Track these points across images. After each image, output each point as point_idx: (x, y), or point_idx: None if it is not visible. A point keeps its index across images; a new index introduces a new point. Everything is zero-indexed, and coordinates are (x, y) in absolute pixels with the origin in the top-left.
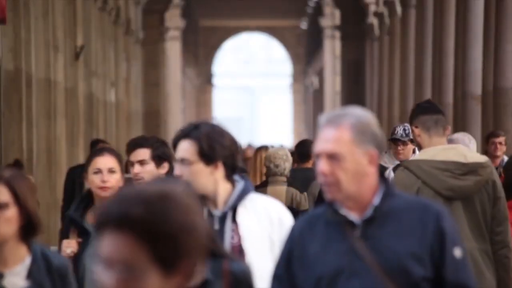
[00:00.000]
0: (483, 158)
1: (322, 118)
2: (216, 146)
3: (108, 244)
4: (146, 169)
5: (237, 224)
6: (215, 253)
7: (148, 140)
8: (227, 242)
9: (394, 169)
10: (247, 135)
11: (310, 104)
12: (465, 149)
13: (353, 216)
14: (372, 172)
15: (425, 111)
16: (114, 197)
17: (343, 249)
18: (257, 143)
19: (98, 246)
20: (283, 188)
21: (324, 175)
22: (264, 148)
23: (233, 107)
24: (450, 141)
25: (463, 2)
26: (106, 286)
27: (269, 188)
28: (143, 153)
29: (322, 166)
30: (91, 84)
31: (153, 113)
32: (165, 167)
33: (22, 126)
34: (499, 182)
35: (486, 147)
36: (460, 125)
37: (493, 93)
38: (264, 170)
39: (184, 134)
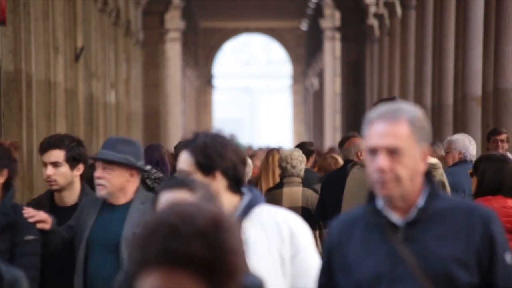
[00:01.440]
0: (434, 160)
1: (374, 113)
2: (213, 156)
3: (155, 285)
4: (60, 171)
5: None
6: None
7: (63, 140)
8: None
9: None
10: (247, 136)
11: (310, 105)
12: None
13: (396, 218)
14: (422, 170)
15: None
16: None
17: (384, 252)
18: (257, 144)
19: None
20: (299, 189)
21: (383, 171)
22: (275, 150)
23: (233, 108)
24: (450, 142)
25: (463, 3)
26: None
27: (285, 189)
28: (57, 155)
29: (382, 161)
30: (91, 85)
31: (153, 114)
32: (80, 169)
33: (22, 127)
34: (447, 184)
35: (488, 145)
36: (460, 126)
37: (493, 94)
38: (278, 171)
39: (183, 145)
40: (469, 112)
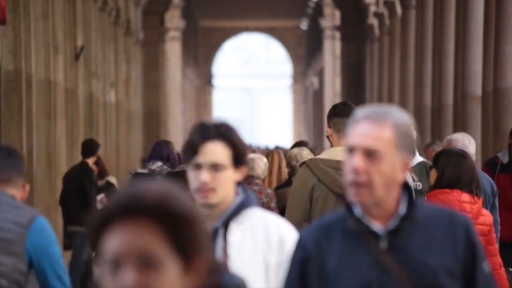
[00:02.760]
0: None
1: (360, 112)
2: (245, 149)
3: (120, 237)
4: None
5: (227, 242)
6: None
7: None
8: None
9: None
10: (247, 135)
11: (310, 104)
12: None
13: (377, 226)
14: (401, 180)
15: (338, 113)
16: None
17: (367, 262)
18: (257, 144)
19: (105, 244)
20: None
21: (356, 172)
22: (275, 151)
23: (233, 108)
24: (450, 141)
25: (463, 3)
26: (122, 287)
27: None
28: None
29: (357, 161)
30: (91, 85)
31: (153, 114)
32: None
33: (22, 127)
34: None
35: (510, 141)
36: (460, 125)
37: (493, 94)
38: (277, 172)
39: (208, 134)
40: (469, 112)
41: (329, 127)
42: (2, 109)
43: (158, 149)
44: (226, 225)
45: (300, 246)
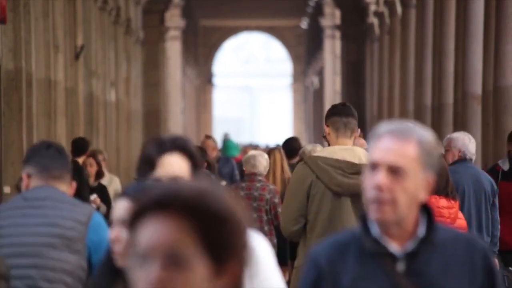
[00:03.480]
0: None
1: (383, 128)
2: (201, 160)
3: (150, 231)
4: None
5: None
6: None
7: None
8: None
9: None
10: (247, 135)
11: (310, 104)
12: (362, 151)
13: (394, 248)
14: (422, 200)
15: (337, 113)
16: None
17: (383, 285)
18: (257, 143)
19: (136, 236)
20: None
21: (380, 189)
22: (276, 149)
23: (233, 107)
24: (450, 140)
25: (463, 2)
26: (146, 281)
27: None
28: None
29: (381, 178)
30: (91, 84)
31: (153, 113)
32: None
33: (22, 126)
34: None
35: (510, 147)
36: (460, 125)
37: (493, 93)
38: (280, 171)
39: (169, 147)
40: (469, 111)
41: (327, 126)
42: (2, 108)
43: None
44: None
45: (313, 264)
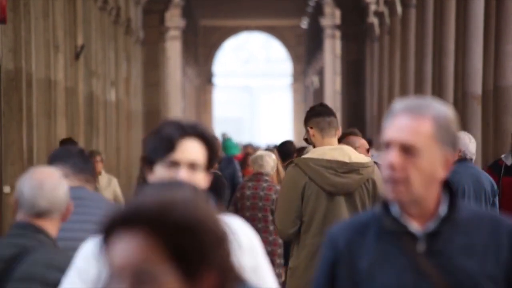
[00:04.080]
0: (366, 159)
1: (398, 105)
2: (218, 153)
3: (117, 251)
4: None
5: None
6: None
7: None
8: None
9: None
10: (247, 135)
11: (310, 103)
12: (351, 150)
13: (415, 227)
14: (442, 178)
15: (319, 113)
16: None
17: (403, 266)
18: (257, 143)
19: (106, 256)
20: None
21: (392, 168)
22: (273, 149)
23: (233, 107)
24: None
25: (463, 2)
26: None
27: None
28: None
29: (393, 157)
30: (91, 84)
31: (153, 113)
32: None
33: (22, 126)
34: (379, 181)
35: None
36: (460, 124)
37: (493, 93)
38: (281, 170)
39: (190, 132)
40: (469, 111)
41: (311, 127)
42: (2, 108)
43: None
44: None
45: (331, 245)
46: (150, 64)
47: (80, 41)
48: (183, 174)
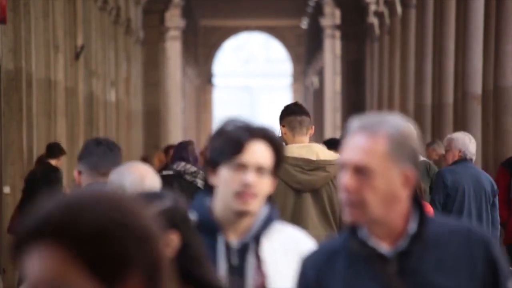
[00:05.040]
0: (334, 157)
1: (354, 123)
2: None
3: (29, 265)
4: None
5: (261, 260)
6: (204, 283)
7: None
8: (249, 282)
9: None
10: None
11: (310, 104)
12: (319, 148)
13: (384, 248)
14: (405, 196)
15: (291, 113)
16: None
17: None
18: None
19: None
20: None
21: (347, 191)
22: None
23: (233, 107)
24: (450, 140)
25: (463, 2)
26: None
27: None
28: None
29: (347, 180)
30: (91, 84)
31: (153, 113)
32: None
33: (22, 126)
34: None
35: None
36: (460, 125)
37: (493, 93)
38: None
39: (259, 134)
40: (469, 111)
41: (283, 126)
42: (3, 108)
43: (181, 150)
44: (257, 240)
45: (301, 276)
46: (150, 64)
47: (80, 41)
48: (251, 177)
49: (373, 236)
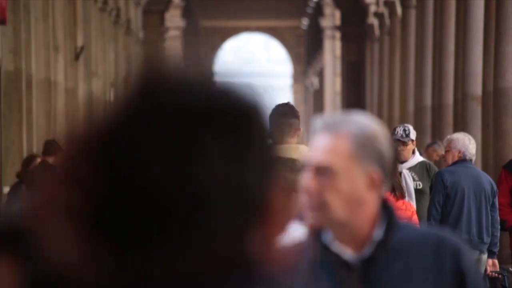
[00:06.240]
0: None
1: (318, 122)
2: None
3: None
4: None
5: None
6: None
7: None
8: None
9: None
10: None
11: (310, 104)
12: (306, 149)
13: (349, 254)
14: (371, 200)
15: (283, 114)
16: None
17: None
18: None
19: None
20: None
21: (308, 193)
22: None
23: None
24: (450, 141)
25: (463, 3)
26: None
27: None
28: None
29: (308, 181)
30: (91, 84)
31: None
32: None
33: (22, 126)
34: None
35: None
36: (460, 125)
37: (493, 94)
38: None
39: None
40: (469, 111)
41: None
42: (2, 109)
43: None
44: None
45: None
46: None
47: (80, 42)
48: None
49: (337, 240)
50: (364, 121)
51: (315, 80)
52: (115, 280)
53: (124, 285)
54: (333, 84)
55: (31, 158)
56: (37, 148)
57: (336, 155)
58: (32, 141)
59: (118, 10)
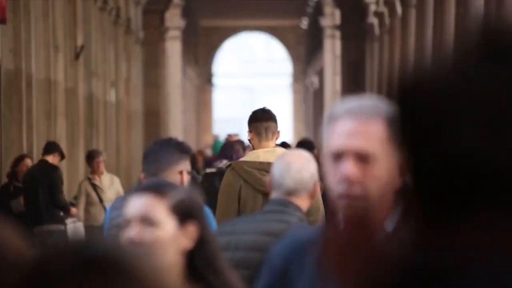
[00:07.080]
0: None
1: (340, 108)
2: None
3: None
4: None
5: None
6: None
7: None
8: None
9: None
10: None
11: (310, 104)
12: (282, 151)
13: None
14: (397, 188)
15: (258, 119)
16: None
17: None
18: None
19: None
20: None
21: (350, 182)
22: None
23: (233, 107)
24: None
25: (463, 2)
26: None
27: None
28: None
29: (350, 169)
30: (91, 84)
31: (153, 113)
32: None
33: (22, 126)
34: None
35: None
36: None
37: None
38: None
39: None
40: None
41: (250, 131)
42: (2, 109)
43: (227, 148)
44: None
45: (269, 266)
46: (150, 64)
47: (80, 42)
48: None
49: None
50: (389, 105)
51: (315, 80)
52: (449, 249)
53: (455, 255)
54: (333, 83)
55: (20, 158)
56: (37, 148)
57: (376, 141)
58: (32, 141)
59: (118, 9)
